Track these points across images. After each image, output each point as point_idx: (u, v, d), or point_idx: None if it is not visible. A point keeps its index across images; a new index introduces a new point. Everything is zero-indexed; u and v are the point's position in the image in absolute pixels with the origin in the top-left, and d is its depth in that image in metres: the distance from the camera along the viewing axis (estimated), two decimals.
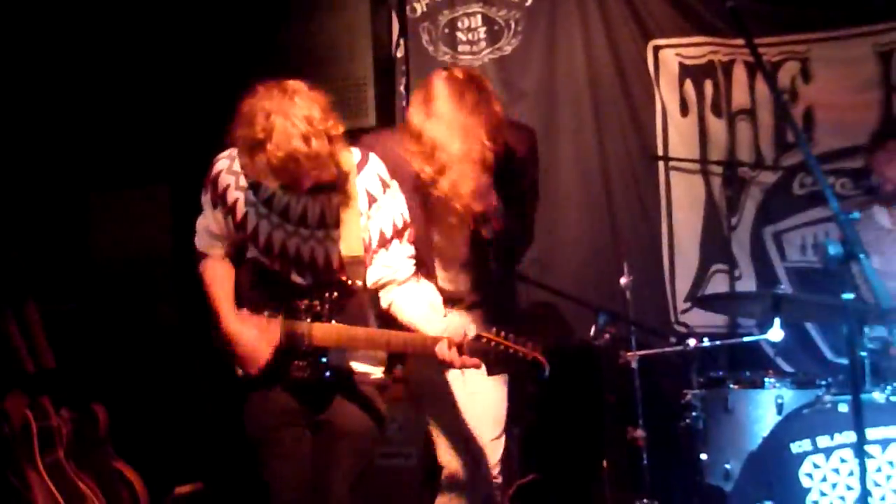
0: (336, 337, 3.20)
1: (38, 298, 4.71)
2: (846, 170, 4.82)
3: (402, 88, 5.24)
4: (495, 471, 3.82)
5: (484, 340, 3.08)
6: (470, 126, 3.39)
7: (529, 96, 5.14)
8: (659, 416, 4.36)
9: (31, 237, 5.16)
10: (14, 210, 5.16)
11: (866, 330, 4.05)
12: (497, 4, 5.20)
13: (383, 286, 3.31)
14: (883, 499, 3.68)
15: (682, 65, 5.00)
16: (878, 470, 3.69)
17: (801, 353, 4.73)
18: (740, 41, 4.78)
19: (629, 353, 4.31)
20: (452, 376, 3.72)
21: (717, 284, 4.93)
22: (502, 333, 3.09)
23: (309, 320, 3.21)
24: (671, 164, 5.03)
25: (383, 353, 3.39)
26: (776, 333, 4.05)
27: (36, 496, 4.38)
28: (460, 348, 3.09)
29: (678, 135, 5.01)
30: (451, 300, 3.70)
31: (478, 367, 3.12)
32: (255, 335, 3.23)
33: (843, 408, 3.74)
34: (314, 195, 3.23)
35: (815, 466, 3.76)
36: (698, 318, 4.91)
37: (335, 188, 3.22)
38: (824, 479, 3.75)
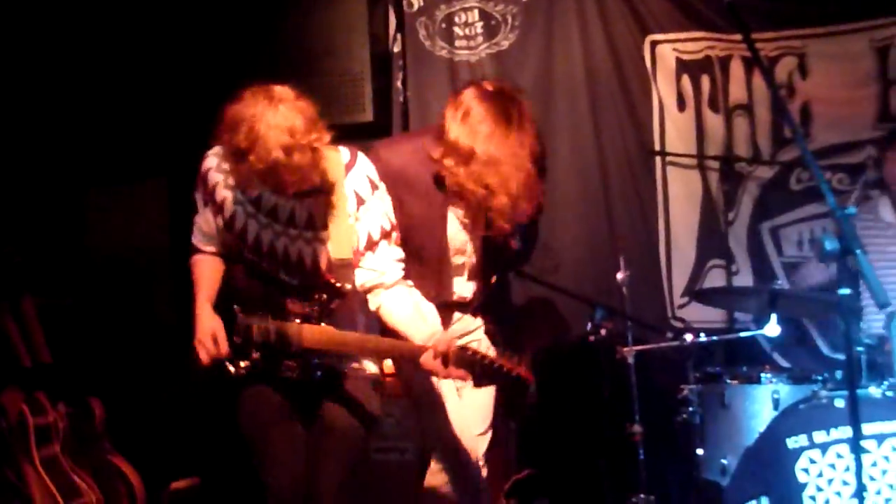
0: (325, 340, 3.20)
1: (34, 293, 4.71)
2: (843, 165, 4.82)
3: (398, 83, 5.24)
4: (479, 464, 3.82)
5: (469, 353, 3.09)
6: (514, 136, 3.41)
7: (526, 91, 5.11)
8: (655, 412, 4.36)
9: (27, 232, 5.16)
10: (10, 205, 5.15)
11: (863, 326, 4.06)
12: None
13: (371, 289, 3.29)
14: (878, 493, 3.68)
15: (679, 60, 4.99)
16: (874, 465, 3.69)
17: (797, 348, 4.73)
18: (737, 36, 4.78)
19: (626, 349, 4.31)
20: None
21: (714, 279, 4.94)
22: (491, 348, 3.10)
23: (299, 321, 3.21)
24: (668, 159, 5.02)
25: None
26: (773, 329, 4.06)
27: (32, 491, 4.38)
28: (446, 359, 3.10)
29: (675, 130, 5.01)
30: (460, 305, 3.72)
31: (464, 378, 3.14)
32: (216, 326, 3.22)
33: (840, 403, 3.75)
34: (302, 196, 3.21)
35: (812, 461, 3.77)
36: (695, 313, 4.91)
37: (323, 189, 3.21)
38: (820, 475, 3.75)
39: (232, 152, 3.03)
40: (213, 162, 3.27)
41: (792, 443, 3.78)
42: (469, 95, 3.47)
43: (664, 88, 5.01)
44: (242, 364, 3.25)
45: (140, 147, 5.44)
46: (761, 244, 4.95)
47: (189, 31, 5.30)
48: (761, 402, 4.12)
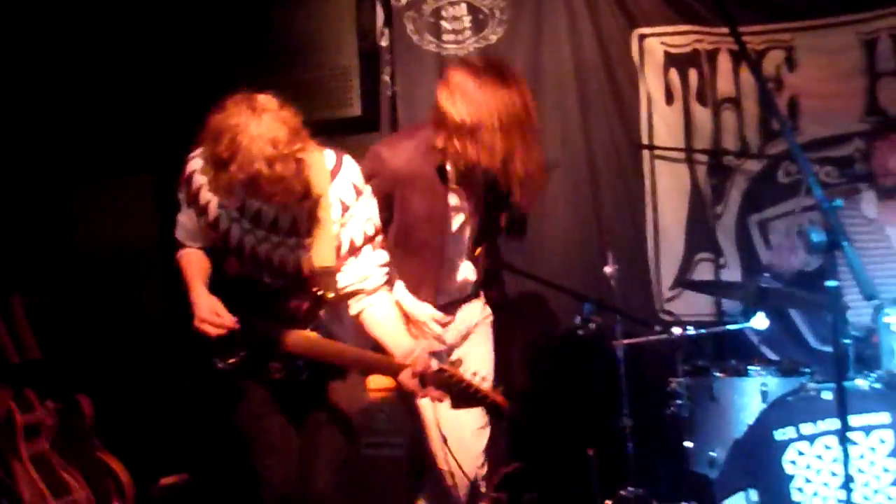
0: (307, 346, 3.20)
1: (22, 290, 4.70)
2: (831, 158, 4.83)
3: (387, 78, 5.23)
4: (479, 461, 3.83)
5: (447, 375, 3.11)
6: (516, 96, 3.43)
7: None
8: (644, 405, 4.37)
9: (15, 229, 5.15)
10: None
11: (850, 318, 4.07)
12: None
13: (352, 294, 3.29)
14: (866, 485, 3.69)
15: (667, 53, 4.99)
16: (862, 457, 3.71)
17: (785, 341, 4.74)
18: (725, 30, 4.78)
19: (614, 342, 4.31)
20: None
21: (702, 273, 4.94)
22: (473, 372, 3.12)
23: (283, 325, 3.21)
24: (656, 152, 5.02)
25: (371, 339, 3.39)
26: (761, 322, 4.07)
27: (21, 488, 4.38)
28: (423, 379, 3.10)
29: (663, 123, 5.01)
30: (465, 298, 3.77)
31: (440, 399, 3.15)
32: (216, 303, 3.21)
33: (827, 395, 3.76)
34: (286, 203, 3.19)
35: (800, 453, 3.78)
36: (683, 306, 4.92)
37: (308, 196, 3.19)
38: (808, 467, 3.77)
39: (214, 161, 3.01)
40: (198, 164, 3.26)
41: (780, 435, 3.79)
42: (459, 75, 3.47)
43: (652, 82, 5.01)
44: (230, 360, 3.25)
45: (128, 143, 5.43)
46: (749, 237, 4.96)
47: (177, 26, 5.28)
48: (749, 395, 4.13)
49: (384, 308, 3.30)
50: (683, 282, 4.92)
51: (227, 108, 3.01)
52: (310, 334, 3.20)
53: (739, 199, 4.96)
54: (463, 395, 3.13)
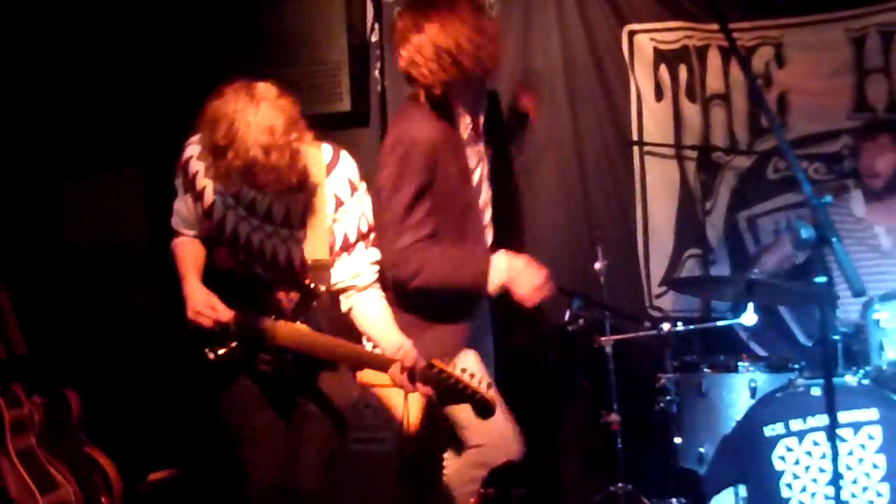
0: (298, 338, 3.20)
1: (9, 284, 4.67)
2: (820, 154, 4.84)
3: (376, 73, 5.21)
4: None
5: (435, 370, 3.11)
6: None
7: (504, 80, 5.12)
8: (633, 401, 4.38)
9: (2, 223, 5.12)
10: None
11: (838, 314, 4.08)
12: None
13: (343, 290, 3.30)
14: (855, 482, 3.71)
15: (656, 50, 4.99)
16: (850, 453, 3.72)
17: (774, 337, 4.75)
18: (714, 26, 4.78)
19: (603, 338, 4.32)
20: None
21: (692, 269, 4.94)
22: (454, 364, 3.12)
23: (273, 317, 3.20)
24: (646, 148, 5.02)
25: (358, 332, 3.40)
26: (749, 317, 4.08)
27: (8, 484, 4.35)
28: (412, 374, 3.10)
29: (653, 120, 5.01)
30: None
31: (429, 395, 3.15)
32: (211, 295, 3.21)
33: (816, 391, 3.77)
34: (281, 194, 3.20)
35: (788, 449, 3.79)
36: (672, 302, 4.93)
37: (303, 188, 3.20)
38: (797, 462, 3.78)
39: (211, 148, 3.02)
40: (195, 150, 3.26)
41: (769, 431, 3.81)
42: (398, 22, 3.65)
43: (642, 78, 5.01)
44: (220, 351, 3.24)
45: (116, 138, 5.40)
46: (738, 233, 4.97)
47: (165, 20, 5.26)
48: (738, 391, 4.14)
49: (374, 305, 3.31)
50: (672, 281, 4.92)
51: (225, 94, 3.02)
52: (300, 327, 3.20)
53: (728, 196, 4.96)
54: (451, 391, 3.13)
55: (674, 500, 4.30)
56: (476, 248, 3.71)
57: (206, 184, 3.26)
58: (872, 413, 3.72)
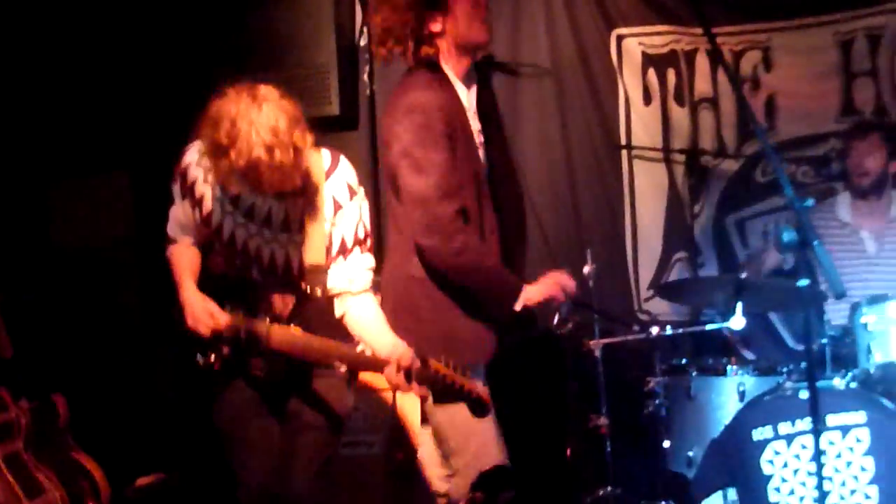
0: (292, 342, 3.19)
1: None
2: (807, 157, 4.87)
3: (365, 76, 5.21)
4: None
5: (432, 370, 3.09)
6: None
7: (493, 84, 5.11)
8: (622, 404, 4.38)
9: None
10: None
11: (826, 317, 4.09)
12: None
13: (338, 295, 3.29)
14: (843, 485, 3.71)
15: (644, 54, 5.01)
16: (839, 456, 3.72)
17: (762, 340, 4.76)
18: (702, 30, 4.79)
19: (592, 342, 4.32)
20: None
21: (680, 272, 4.96)
22: (450, 363, 3.11)
23: (268, 321, 3.20)
24: (634, 152, 5.04)
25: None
26: (738, 321, 4.08)
27: None
28: (409, 374, 3.10)
29: (641, 123, 5.02)
30: None
31: (425, 395, 3.14)
32: (209, 303, 3.20)
33: (804, 394, 3.77)
34: (280, 198, 3.20)
35: (777, 453, 3.79)
36: (661, 306, 4.93)
37: (302, 192, 3.19)
38: (785, 466, 3.78)
39: (213, 148, 3.01)
40: (194, 157, 3.25)
41: (757, 434, 3.81)
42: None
43: (630, 82, 5.02)
44: (212, 356, 3.24)
45: (104, 141, 5.39)
46: (727, 237, 4.99)
47: (153, 23, 5.25)
48: (727, 394, 4.15)
49: (368, 309, 3.31)
50: (661, 286, 4.92)
51: (227, 94, 3.01)
52: (294, 330, 3.19)
53: (717, 199, 4.98)
54: (447, 390, 3.11)
55: (663, 503, 4.30)
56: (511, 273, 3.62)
57: (205, 190, 3.25)
58: (860, 416, 3.72)
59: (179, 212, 3.36)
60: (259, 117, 2.96)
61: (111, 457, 4.71)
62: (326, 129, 4.85)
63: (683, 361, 4.35)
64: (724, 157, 4.95)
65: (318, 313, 3.27)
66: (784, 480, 3.78)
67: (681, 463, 4.16)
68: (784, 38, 4.88)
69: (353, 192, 3.27)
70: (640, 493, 4.39)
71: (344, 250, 3.26)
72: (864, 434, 3.71)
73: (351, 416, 3.54)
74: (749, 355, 4.61)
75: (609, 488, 4.31)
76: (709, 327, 4.34)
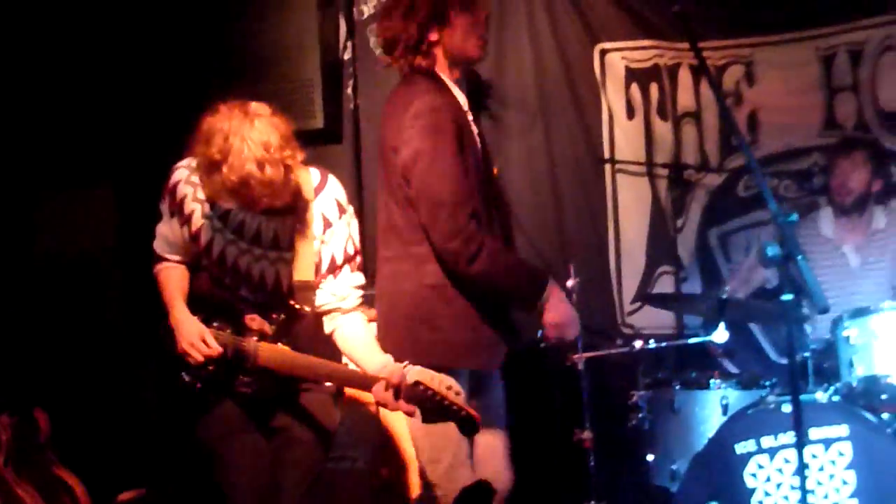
0: (281, 360, 3.19)
1: None
2: (790, 172, 4.89)
3: (349, 90, 5.23)
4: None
5: (421, 388, 3.09)
6: None
7: (482, 97, 5.13)
8: (606, 418, 4.37)
9: None
10: None
11: (808, 331, 4.10)
12: None
13: (328, 312, 3.29)
14: (826, 497, 3.72)
15: (628, 68, 5.03)
16: (821, 469, 3.74)
17: (745, 353, 4.77)
18: (685, 45, 4.81)
19: (576, 355, 4.31)
20: None
21: (664, 286, 4.96)
22: (439, 382, 3.10)
23: (256, 339, 3.20)
24: (617, 166, 5.05)
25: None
26: (721, 335, 4.10)
27: None
28: (397, 392, 3.10)
29: (624, 137, 5.04)
30: None
31: (412, 413, 3.12)
32: (202, 328, 3.20)
33: (787, 408, 3.78)
34: (270, 216, 3.21)
35: (760, 467, 3.80)
36: (645, 319, 4.94)
37: (292, 210, 3.21)
38: (769, 480, 3.79)
39: (205, 164, 3.03)
40: (184, 174, 3.26)
41: (740, 448, 3.82)
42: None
43: (613, 96, 5.04)
44: (199, 374, 3.23)
45: (88, 154, 5.37)
46: (710, 250, 5.00)
47: (138, 37, 5.24)
48: (710, 408, 4.15)
49: (358, 327, 3.31)
50: (645, 296, 4.94)
51: (219, 111, 3.04)
52: (282, 348, 3.19)
53: (700, 213, 4.99)
54: (437, 408, 3.10)
55: None
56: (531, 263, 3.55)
57: (194, 207, 3.25)
58: (843, 429, 3.74)
59: (167, 229, 3.35)
60: (251, 133, 2.98)
61: (93, 472, 4.69)
62: (311, 143, 4.87)
63: (667, 375, 4.36)
64: (707, 171, 4.97)
65: (306, 330, 3.28)
66: (767, 494, 3.79)
67: (664, 477, 4.16)
68: (766, 52, 4.91)
69: (342, 210, 3.28)
70: None
71: (334, 268, 3.27)
72: (847, 448, 3.73)
73: (335, 433, 3.53)
74: (732, 368, 4.62)
75: (593, 502, 4.30)
76: (692, 341, 4.35)
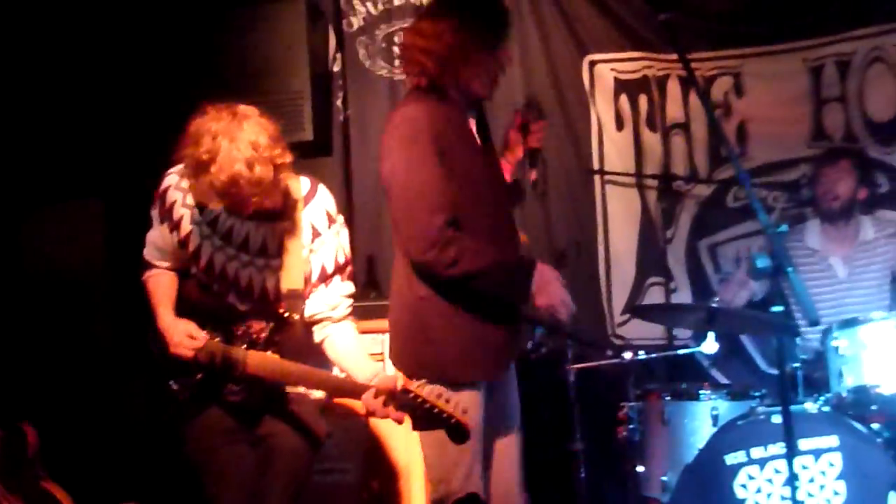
0: (269, 368, 3.18)
1: None
2: (779, 182, 4.90)
3: (339, 103, 5.23)
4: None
5: (411, 395, 3.08)
6: None
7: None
8: (596, 429, 4.37)
9: None
10: None
11: (798, 341, 4.11)
12: None
13: (318, 321, 3.29)
14: None
15: (617, 80, 5.04)
16: (812, 480, 3.74)
17: (735, 364, 4.78)
18: (674, 56, 4.82)
19: (566, 367, 4.31)
20: None
21: (654, 297, 4.96)
22: (429, 389, 3.09)
23: (245, 347, 3.19)
24: (607, 177, 5.06)
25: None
26: (710, 346, 4.09)
27: None
28: (387, 400, 3.09)
29: (614, 149, 5.05)
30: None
31: (401, 421, 3.11)
32: (188, 325, 3.20)
33: (777, 419, 3.79)
34: (259, 222, 3.21)
35: (750, 477, 3.80)
36: (635, 330, 4.94)
37: (281, 217, 3.21)
38: (759, 490, 3.79)
39: (193, 165, 3.03)
40: (173, 180, 3.27)
41: (731, 459, 3.81)
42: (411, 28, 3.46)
43: (602, 108, 5.05)
44: (187, 382, 3.22)
45: (77, 168, 5.36)
46: (699, 261, 5.00)
47: (127, 51, 5.24)
48: (700, 419, 4.14)
49: (348, 336, 3.31)
50: (634, 308, 4.93)
51: (207, 112, 3.05)
52: (271, 356, 3.18)
53: (689, 224, 5.00)
54: (427, 416, 3.08)
55: None
56: (514, 251, 3.45)
57: (183, 213, 3.26)
58: (833, 440, 3.74)
59: (157, 236, 3.36)
60: (239, 133, 2.99)
61: (81, 486, 4.67)
62: (301, 155, 4.87)
63: (657, 386, 4.35)
64: (697, 182, 4.98)
65: (295, 339, 3.27)
66: None
67: (655, 488, 4.15)
68: (755, 64, 4.93)
69: (331, 220, 3.28)
70: None
71: (324, 277, 3.27)
72: (837, 458, 3.73)
73: (325, 442, 3.52)
74: (722, 379, 4.62)
75: None
76: (682, 352, 4.35)
